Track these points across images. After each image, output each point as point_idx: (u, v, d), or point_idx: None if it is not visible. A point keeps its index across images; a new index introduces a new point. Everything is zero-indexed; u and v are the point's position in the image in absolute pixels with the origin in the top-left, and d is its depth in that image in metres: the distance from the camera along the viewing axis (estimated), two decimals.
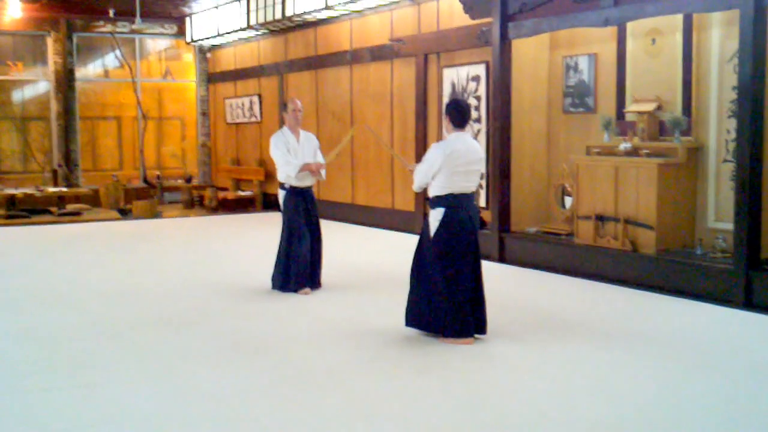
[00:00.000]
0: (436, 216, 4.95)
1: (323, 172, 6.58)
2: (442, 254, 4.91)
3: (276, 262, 6.60)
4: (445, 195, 4.92)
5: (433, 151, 4.97)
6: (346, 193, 11.53)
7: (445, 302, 4.89)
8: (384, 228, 10.53)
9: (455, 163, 4.88)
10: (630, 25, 7.28)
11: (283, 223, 6.56)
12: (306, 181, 6.52)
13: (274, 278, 6.60)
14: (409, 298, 5.14)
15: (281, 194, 6.56)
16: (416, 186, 5.15)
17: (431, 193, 5.02)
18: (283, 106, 6.66)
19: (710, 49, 6.69)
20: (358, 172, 11.32)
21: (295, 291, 6.39)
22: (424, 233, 5.08)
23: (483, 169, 5.15)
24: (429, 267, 4.98)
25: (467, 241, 4.92)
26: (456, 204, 4.91)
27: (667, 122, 6.89)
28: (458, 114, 4.97)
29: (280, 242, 6.56)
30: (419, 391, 4.06)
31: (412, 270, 5.12)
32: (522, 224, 8.20)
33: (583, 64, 7.93)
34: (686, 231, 6.81)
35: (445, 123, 5.03)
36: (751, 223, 5.80)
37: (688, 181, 6.79)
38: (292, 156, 6.43)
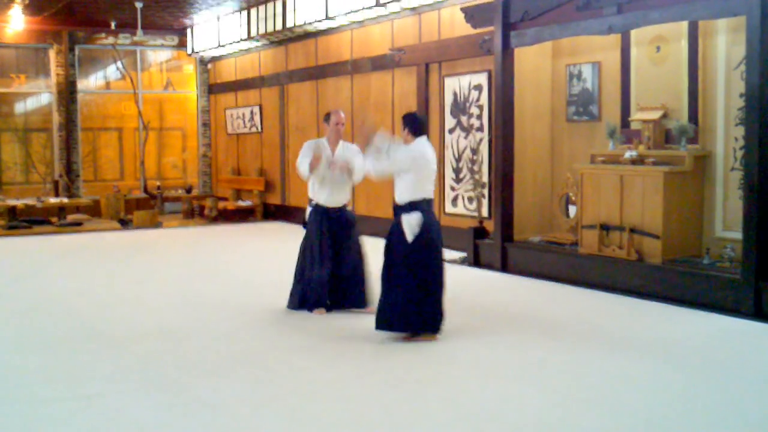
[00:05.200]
0: (413, 221, 5.09)
1: (354, 171, 5.94)
2: (420, 256, 5.06)
3: (294, 281, 6.19)
4: (420, 200, 5.14)
5: (403, 153, 5.12)
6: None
7: (422, 301, 5.04)
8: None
9: (426, 167, 5.11)
10: (634, 33, 7.22)
11: (302, 242, 6.17)
12: (335, 200, 6.03)
13: (291, 296, 6.18)
14: (380, 301, 5.20)
15: (307, 211, 6.12)
16: (374, 172, 5.29)
17: (404, 199, 5.16)
18: (326, 117, 6.11)
19: (716, 56, 6.63)
20: None
21: (310, 311, 6.02)
22: (393, 238, 5.20)
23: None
24: (404, 269, 5.08)
25: (438, 244, 5.17)
26: (428, 208, 5.17)
27: (673, 130, 6.81)
28: (417, 123, 5.22)
29: (297, 261, 6.18)
30: (421, 402, 3.99)
31: (383, 275, 5.20)
32: (525, 233, 8.12)
33: (587, 72, 7.86)
34: (693, 240, 6.72)
35: (404, 134, 5.23)
36: (760, 232, 5.71)
37: (695, 189, 6.71)
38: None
